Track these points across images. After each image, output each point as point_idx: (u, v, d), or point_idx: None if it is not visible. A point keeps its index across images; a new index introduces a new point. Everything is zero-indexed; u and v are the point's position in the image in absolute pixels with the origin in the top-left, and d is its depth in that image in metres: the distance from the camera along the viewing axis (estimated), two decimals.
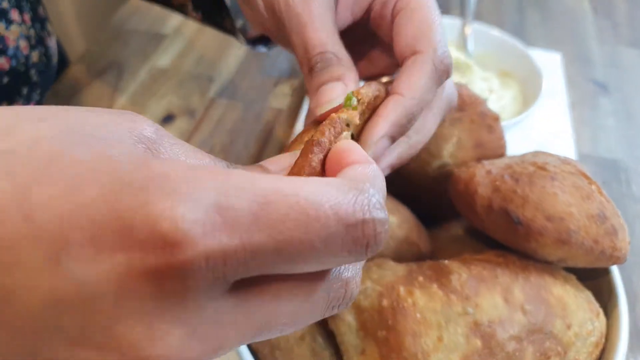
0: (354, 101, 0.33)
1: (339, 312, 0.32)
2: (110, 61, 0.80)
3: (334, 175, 0.26)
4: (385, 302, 0.38)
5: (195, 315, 0.19)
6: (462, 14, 0.83)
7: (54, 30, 0.63)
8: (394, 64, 0.43)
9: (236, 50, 0.84)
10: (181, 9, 0.57)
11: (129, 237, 0.18)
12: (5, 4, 0.53)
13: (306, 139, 0.33)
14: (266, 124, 0.74)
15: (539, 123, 0.75)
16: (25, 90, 0.57)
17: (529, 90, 0.73)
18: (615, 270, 0.44)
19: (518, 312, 0.38)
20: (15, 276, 0.18)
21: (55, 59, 0.62)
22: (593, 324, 0.40)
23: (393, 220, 0.45)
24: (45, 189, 0.18)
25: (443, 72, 0.37)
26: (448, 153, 0.48)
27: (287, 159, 0.29)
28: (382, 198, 0.24)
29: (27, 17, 0.56)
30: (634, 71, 0.88)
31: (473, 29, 0.80)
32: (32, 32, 0.56)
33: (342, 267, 0.24)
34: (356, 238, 0.21)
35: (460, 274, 0.39)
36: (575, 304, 0.40)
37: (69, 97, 0.74)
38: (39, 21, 0.59)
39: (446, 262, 0.41)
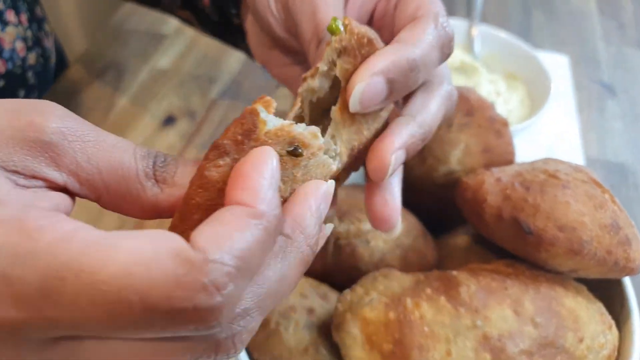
0: (339, 25, 0.27)
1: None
2: (110, 62, 0.79)
3: (229, 200, 0.22)
4: (391, 315, 0.37)
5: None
6: (468, 15, 0.82)
7: (52, 30, 0.62)
8: None
9: (238, 51, 0.83)
10: (188, 23, 0.57)
11: None
12: (0, 5, 0.51)
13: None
14: None
15: (546, 126, 0.74)
16: (22, 93, 0.56)
17: (536, 93, 0.72)
18: (627, 280, 0.43)
19: (528, 325, 0.37)
20: None
21: (53, 60, 0.61)
22: (605, 336, 0.39)
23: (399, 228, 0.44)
24: None
25: (445, 39, 0.33)
26: (455, 159, 0.47)
27: None
28: (252, 265, 0.21)
29: (24, 17, 0.55)
30: None
31: (479, 30, 0.78)
32: (29, 33, 0.55)
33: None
34: (178, 328, 0.20)
35: (469, 285, 0.38)
36: (587, 316, 0.39)
37: (68, 98, 0.73)
38: (37, 21, 0.57)
39: (454, 272, 0.40)
